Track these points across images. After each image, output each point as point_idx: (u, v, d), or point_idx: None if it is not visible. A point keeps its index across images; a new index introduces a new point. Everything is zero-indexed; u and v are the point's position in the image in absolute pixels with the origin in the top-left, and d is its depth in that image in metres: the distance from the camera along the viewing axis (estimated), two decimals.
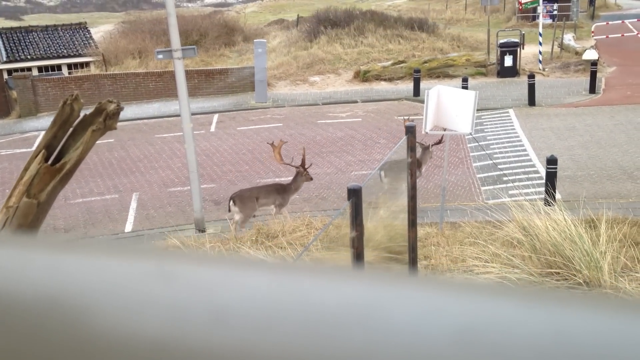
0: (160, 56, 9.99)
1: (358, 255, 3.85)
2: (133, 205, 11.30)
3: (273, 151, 9.37)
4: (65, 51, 23.80)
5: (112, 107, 4.00)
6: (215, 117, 17.76)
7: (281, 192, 9.29)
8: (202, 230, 9.67)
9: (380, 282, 0.37)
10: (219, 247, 8.08)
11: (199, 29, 25.81)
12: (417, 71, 18.71)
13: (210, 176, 12.57)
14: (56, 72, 23.31)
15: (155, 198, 11.61)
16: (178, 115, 11.00)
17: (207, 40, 25.53)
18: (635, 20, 30.39)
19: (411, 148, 5.17)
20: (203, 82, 20.46)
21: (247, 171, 12.78)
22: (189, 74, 17.77)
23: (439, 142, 9.93)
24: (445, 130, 8.69)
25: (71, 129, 4.04)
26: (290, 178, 9.61)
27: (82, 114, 4.03)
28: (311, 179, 9.48)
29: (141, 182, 12.59)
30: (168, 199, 11.50)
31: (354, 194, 3.72)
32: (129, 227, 10.36)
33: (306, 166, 9.27)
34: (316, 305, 0.35)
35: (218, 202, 11.22)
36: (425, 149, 9.77)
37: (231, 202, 9.17)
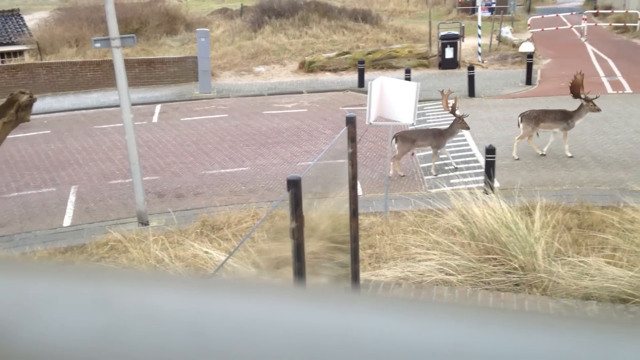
0: (98, 45, 9.67)
1: (298, 246, 3.88)
2: (72, 198, 10.96)
3: (442, 98, 10.79)
4: None
5: (24, 98, 3.82)
6: (158, 107, 17.38)
7: (438, 136, 10.92)
8: (144, 223, 9.48)
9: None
10: (163, 241, 7.95)
11: (139, 17, 25.11)
12: (361, 62, 18.86)
13: (153, 168, 12.32)
14: None
15: (95, 191, 11.29)
16: (118, 106, 10.71)
17: (148, 28, 24.88)
18: (569, 13, 31.61)
19: (352, 138, 5.23)
20: (144, 71, 19.96)
21: (192, 163, 12.60)
22: (129, 63, 17.30)
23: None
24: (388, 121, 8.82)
25: None
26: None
27: None
28: (468, 127, 11.09)
29: (80, 174, 12.21)
30: (109, 192, 11.21)
31: (294, 185, 3.74)
32: (67, 221, 10.04)
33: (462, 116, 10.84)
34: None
35: (162, 194, 11.02)
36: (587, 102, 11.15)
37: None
